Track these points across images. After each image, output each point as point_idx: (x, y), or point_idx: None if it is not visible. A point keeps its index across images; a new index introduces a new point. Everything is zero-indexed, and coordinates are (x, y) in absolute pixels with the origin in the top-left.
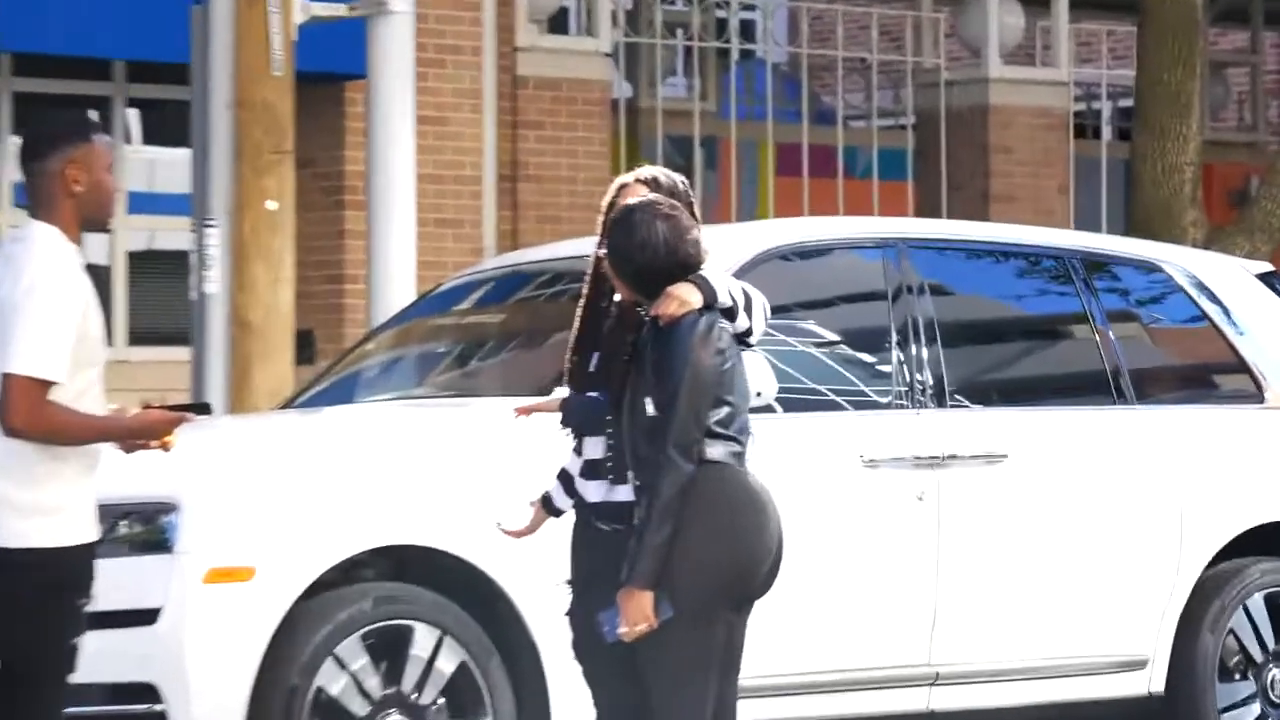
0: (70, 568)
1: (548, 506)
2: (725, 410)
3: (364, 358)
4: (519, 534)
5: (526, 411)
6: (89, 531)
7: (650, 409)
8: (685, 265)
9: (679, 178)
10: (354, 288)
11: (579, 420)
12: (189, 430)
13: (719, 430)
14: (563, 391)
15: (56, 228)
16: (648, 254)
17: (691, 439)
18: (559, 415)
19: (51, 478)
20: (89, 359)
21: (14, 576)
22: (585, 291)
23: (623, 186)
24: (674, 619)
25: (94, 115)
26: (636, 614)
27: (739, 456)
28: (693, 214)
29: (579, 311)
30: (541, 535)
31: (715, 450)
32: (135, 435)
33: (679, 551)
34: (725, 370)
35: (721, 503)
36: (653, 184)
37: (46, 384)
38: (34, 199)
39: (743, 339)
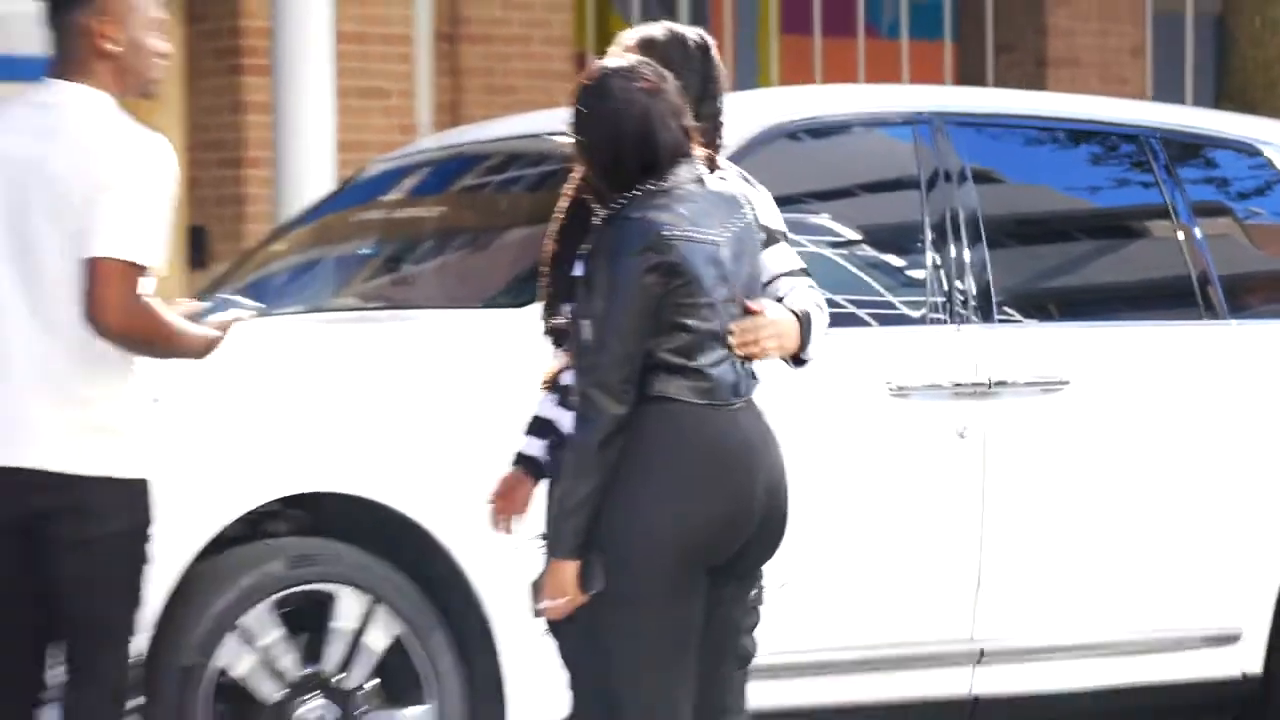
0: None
1: (530, 469)
2: (683, 338)
3: (270, 261)
4: (506, 509)
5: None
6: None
7: (586, 333)
8: (654, 161)
9: (695, 35)
10: (256, 174)
11: None
12: None
13: (675, 361)
14: None
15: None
16: (612, 137)
17: (621, 374)
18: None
19: (117, 397)
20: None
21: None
22: (576, 175)
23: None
24: (623, 593)
25: None
26: (556, 587)
27: (709, 394)
28: (712, 83)
29: (561, 201)
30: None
31: (669, 385)
32: (207, 353)
33: (616, 510)
34: (677, 289)
35: (675, 449)
36: (645, 47)
37: (140, 269)
38: (61, 59)
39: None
